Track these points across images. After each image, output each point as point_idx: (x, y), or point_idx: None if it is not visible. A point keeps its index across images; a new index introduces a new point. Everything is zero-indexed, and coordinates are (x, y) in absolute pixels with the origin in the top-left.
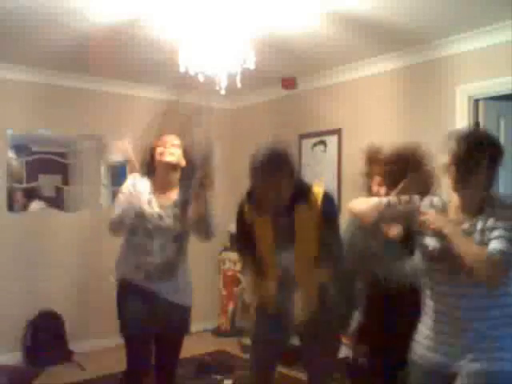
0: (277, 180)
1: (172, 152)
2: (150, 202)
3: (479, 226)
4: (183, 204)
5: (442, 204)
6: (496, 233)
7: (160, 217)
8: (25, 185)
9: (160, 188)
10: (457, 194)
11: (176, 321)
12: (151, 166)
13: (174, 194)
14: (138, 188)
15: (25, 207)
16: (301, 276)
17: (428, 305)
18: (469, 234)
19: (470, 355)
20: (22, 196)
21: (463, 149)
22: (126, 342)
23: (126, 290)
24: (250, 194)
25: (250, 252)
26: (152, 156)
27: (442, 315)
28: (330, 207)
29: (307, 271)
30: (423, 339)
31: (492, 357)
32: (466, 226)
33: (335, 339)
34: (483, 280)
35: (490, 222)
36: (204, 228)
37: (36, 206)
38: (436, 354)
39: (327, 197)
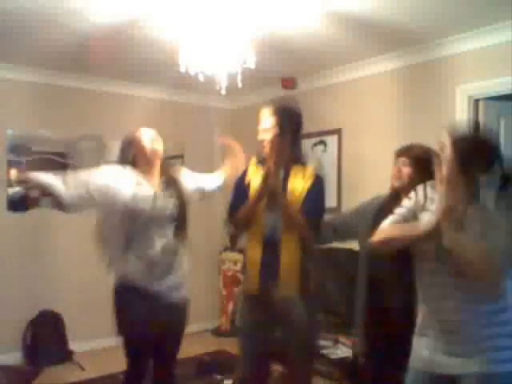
0: None
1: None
2: (139, 184)
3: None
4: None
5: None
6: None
7: (156, 197)
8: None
9: (143, 176)
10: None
11: (177, 319)
12: (131, 156)
13: (156, 181)
14: (122, 178)
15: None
16: (286, 239)
17: (421, 306)
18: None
19: (468, 356)
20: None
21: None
22: (127, 345)
23: (128, 291)
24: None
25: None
26: (134, 146)
27: (433, 315)
28: (319, 186)
29: (291, 236)
30: (419, 340)
31: (490, 358)
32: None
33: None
34: (482, 278)
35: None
36: None
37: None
38: (433, 355)
39: (319, 177)
